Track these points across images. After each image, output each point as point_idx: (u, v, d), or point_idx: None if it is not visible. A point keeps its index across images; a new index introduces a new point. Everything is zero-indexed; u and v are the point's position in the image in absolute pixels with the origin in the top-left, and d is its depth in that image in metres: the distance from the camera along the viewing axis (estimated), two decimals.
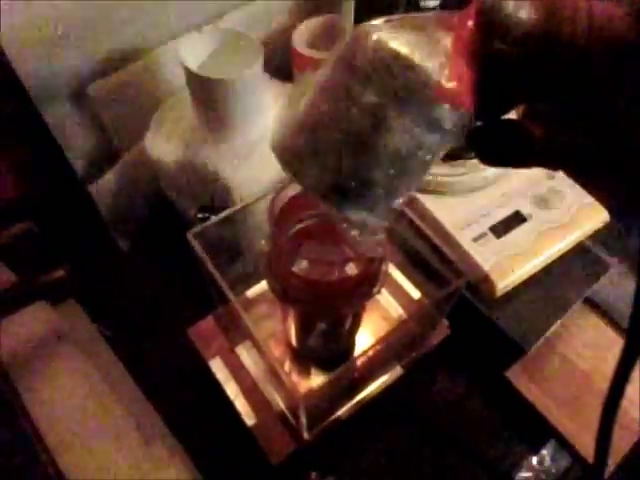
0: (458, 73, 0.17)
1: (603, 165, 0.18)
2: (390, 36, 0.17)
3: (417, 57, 0.17)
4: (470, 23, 0.17)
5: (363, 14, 0.62)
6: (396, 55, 0.17)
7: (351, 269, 0.30)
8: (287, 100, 0.20)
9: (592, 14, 0.15)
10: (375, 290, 0.33)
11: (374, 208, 0.20)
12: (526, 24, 0.16)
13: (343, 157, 0.19)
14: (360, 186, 0.19)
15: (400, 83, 0.17)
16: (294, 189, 0.33)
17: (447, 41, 0.17)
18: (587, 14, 0.15)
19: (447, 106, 0.17)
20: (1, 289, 0.50)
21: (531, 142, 0.19)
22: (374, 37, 0.17)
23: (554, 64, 0.16)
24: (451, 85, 0.17)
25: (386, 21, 0.18)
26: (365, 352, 0.37)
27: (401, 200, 0.20)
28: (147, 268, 0.57)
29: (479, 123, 0.19)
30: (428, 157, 0.19)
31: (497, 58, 0.16)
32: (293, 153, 0.20)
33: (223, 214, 0.39)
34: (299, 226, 0.36)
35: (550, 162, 0.19)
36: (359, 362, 0.39)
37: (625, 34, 0.15)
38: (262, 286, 0.49)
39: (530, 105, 0.19)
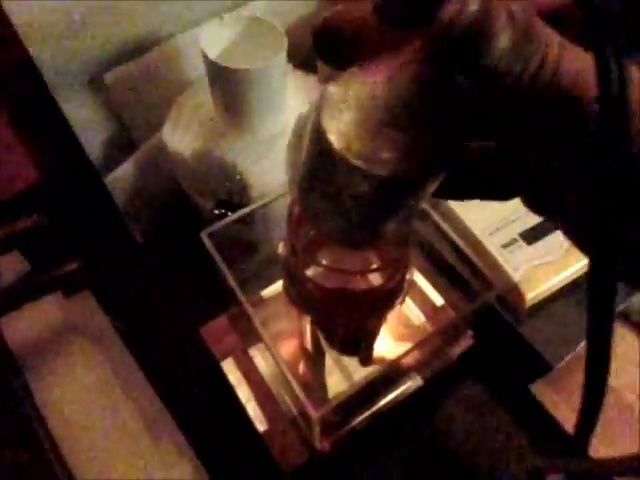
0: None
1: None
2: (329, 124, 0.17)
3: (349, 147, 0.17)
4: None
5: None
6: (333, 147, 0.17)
7: (375, 279, 0.28)
8: (289, 145, 0.20)
9: (562, 58, 0.13)
10: (398, 302, 0.31)
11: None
12: (500, 52, 0.13)
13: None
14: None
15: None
16: None
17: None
18: (557, 55, 0.13)
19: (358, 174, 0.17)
20: (16, 279, 0.50)
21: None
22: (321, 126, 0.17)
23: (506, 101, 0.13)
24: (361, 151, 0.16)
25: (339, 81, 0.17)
26: (384, 363, 0.35)
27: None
28: (162, 262, 0.56)
29: None
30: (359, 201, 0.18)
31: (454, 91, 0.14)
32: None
33: (240, 213, 0.37)
34: None
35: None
36: (377, 372, 0.38)
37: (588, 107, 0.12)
38: (278, 286, 0.47)
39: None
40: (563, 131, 0.13)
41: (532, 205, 0.18)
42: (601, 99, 0.12)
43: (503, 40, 0.12)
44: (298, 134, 0.20)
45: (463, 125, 0.16)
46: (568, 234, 0.18)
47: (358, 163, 0.16)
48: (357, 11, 0.15)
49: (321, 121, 0.16)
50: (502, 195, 0.19)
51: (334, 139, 0.16)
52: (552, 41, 0.13)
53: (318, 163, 0.18)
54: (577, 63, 0.12)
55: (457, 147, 0.17)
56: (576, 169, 0.14)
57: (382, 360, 0.42)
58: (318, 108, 0.17)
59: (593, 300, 0.14)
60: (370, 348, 0.42)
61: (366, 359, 0.43)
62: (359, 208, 0.18)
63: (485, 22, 0.12)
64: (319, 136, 0.17)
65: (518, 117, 0.14)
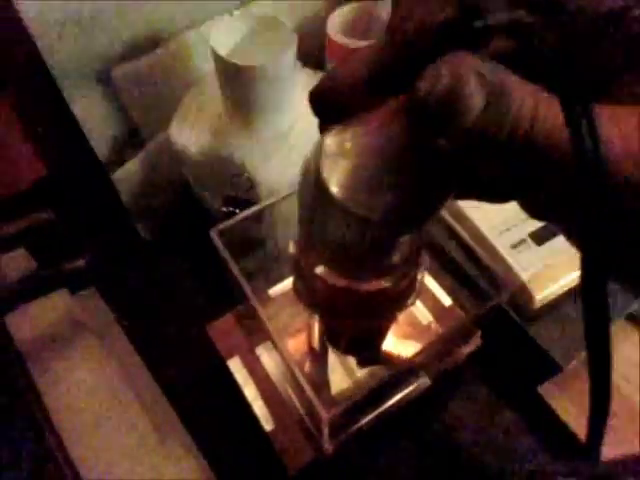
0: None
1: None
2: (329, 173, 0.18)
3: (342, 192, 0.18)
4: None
5: None
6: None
7: (386, 280, 0.28)
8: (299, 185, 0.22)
9: (536, 113, 0.13)
10: (409, 302, 0.30)
11: None
12: (475, 115, 0.13)
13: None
14: None
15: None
16: None
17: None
18: (533, 109, 0.13)
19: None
20: (21, 276, 0.50)
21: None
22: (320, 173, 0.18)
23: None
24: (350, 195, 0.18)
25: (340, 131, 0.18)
26: (391, 363, 0.35)
27: None
28: (169, 259, 0.55)
29: None
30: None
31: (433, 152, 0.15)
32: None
33: (249, 211, 0.37)
34: None
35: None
36: (386, 373, 0.37)
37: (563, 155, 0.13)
38: (284, 285, 0.47)
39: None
40: (543, 177, 0.14)
41: (529, 209, 0.18)
42: (576, 156, 0.12)
43: (476, 104, 0.13)
44: (305, 177, 0.21)
45: (451, 174, 0.17)
46: (569, 238, 0.18)
47: (359, 211, 0.18)
48: (348, 75, 0.17)
49: (322, 173, 0.18)
50: (498, 199, 0.19)
51: (335, 190, 0.18)
52: (525, 95, 0.13)
53: (320, 210, 0.19)
54: (551, 116, 0.13)
55: (449, 190, 0.18)
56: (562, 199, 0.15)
57: (389, 359, 0.42)
58: (317, 159, 0.18)
59: (588, 312, 0.15)
60: (378, 348, 0.42)
61: (371, 360, 0.42)
62: (362, 249, 0.20)
63: (457, 91, 0.13)
64: (320, 187, 0.18)
65: (499, 168, 0.15)
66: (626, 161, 0.12)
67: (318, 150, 0.18)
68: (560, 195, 0.14)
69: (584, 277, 0.14)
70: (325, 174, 0.18)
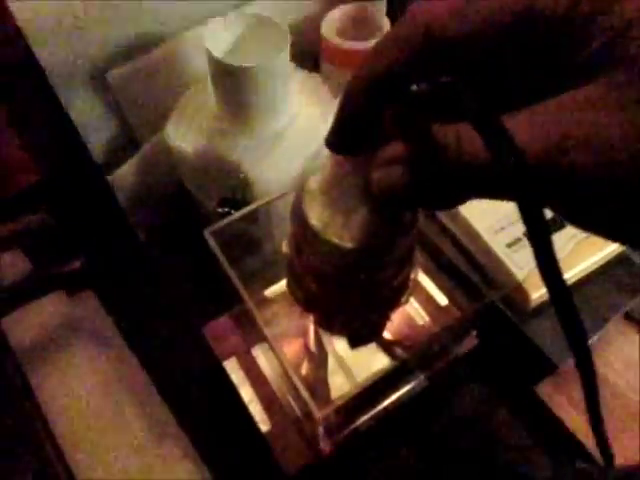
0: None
1: None
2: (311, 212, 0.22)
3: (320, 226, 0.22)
4: None
5: (396, 2, 0.59)
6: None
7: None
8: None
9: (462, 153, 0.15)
10: (403, 300, 0.30)
11: None
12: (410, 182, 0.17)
13: None
14: None
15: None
16: None
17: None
18: (456, 148, 0.15)
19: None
20: (18, 278, 0.50)
21: None
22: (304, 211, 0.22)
23: None
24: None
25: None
26: (388, 364, 0.35)
27: None
28: (165, 260, 0.55)
29: None
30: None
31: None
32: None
33: (243, 211, 0.37)
34: None
35: None
36: (381, 373, 0.37)
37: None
38: (280, 286, 0.47)
39: None
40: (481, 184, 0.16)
41: None
42: (494, 158, 0.14)
43: (406, 179, 0.16)
44: (292, 206, 0.25)
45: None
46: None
47: (334, 240, 0.21)
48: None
49: (303, 207, 0.21)
50: None
51: (313, 221, 0.21)
52: (449, 140, 0.15)
53: (302, 237, 0.22)
54: (474, 139, 0.15)
55: (409, 225, 0.22)
56: None
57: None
58: (300, 193, 0.22)
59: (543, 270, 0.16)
60: (372, 341, 0.42)
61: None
62: (339, 271, 0.23)
63: (389, 185, 0.17)
64: (300, 217, 0.21)
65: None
66: (533, 146, 0.14)
67: (302, 185, 0.22)
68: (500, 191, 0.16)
69: (533, 244, 0.15)
70: (305, 206, 0.21)
